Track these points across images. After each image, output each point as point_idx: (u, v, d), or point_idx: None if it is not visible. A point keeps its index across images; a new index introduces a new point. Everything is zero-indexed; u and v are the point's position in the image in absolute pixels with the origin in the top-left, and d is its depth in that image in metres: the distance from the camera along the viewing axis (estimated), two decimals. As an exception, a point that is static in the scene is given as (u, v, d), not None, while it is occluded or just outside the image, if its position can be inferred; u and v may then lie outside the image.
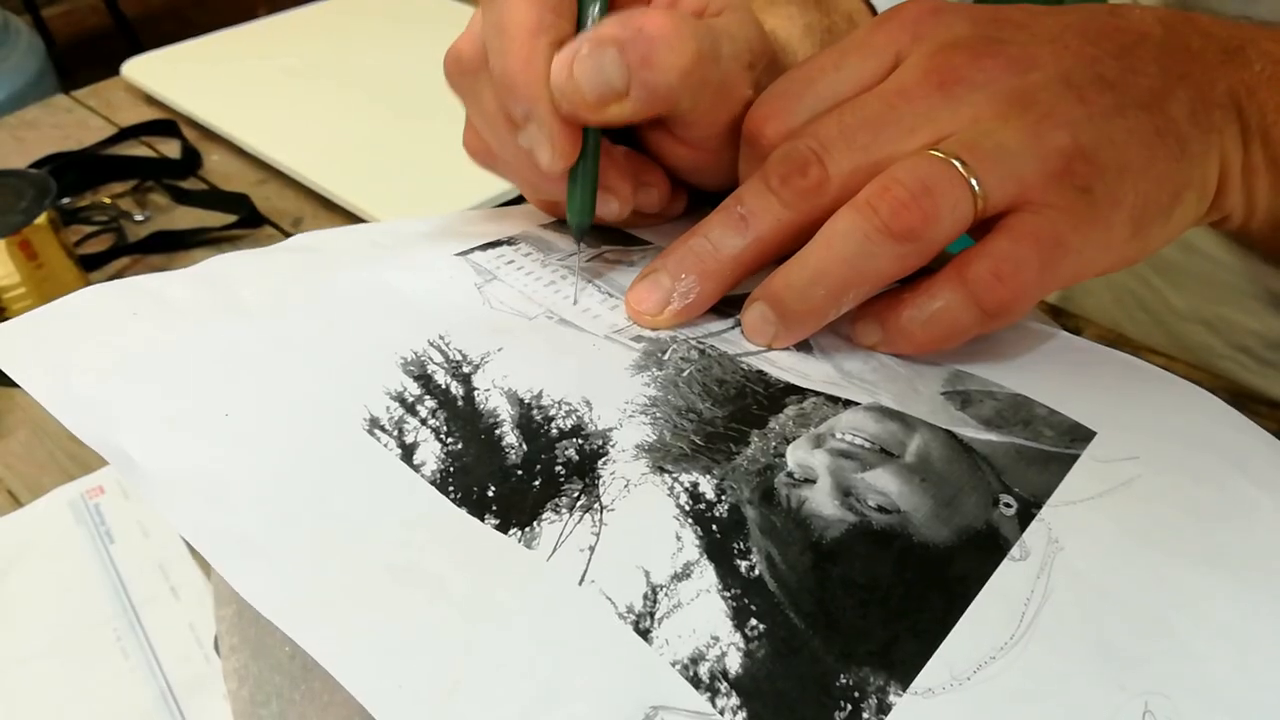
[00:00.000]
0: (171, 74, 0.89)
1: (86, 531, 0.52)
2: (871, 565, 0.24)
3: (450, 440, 0.27)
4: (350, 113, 0.83)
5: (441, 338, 0.30)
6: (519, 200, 0.72)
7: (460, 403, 0.28)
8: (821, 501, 0.26)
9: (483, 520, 0.25)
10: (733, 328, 0.33)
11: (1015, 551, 0.25)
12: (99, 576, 0.50)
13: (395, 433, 0.27)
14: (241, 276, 0.32)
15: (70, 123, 0.86)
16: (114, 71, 0.91)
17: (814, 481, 0.26)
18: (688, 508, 0.25)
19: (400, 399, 0.28)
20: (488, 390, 0.29)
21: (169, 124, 0.84)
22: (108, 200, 0.75)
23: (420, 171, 0.75)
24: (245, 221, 0.73)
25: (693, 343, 0.31)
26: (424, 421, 0.27)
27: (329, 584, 0.23)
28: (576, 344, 0.31)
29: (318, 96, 0.86)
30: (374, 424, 0.27)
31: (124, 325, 0.30)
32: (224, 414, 0.27)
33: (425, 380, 0.29)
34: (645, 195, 0.37)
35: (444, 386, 0.29)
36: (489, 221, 0.38)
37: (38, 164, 0.77)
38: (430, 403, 0.28)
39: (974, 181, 0.29)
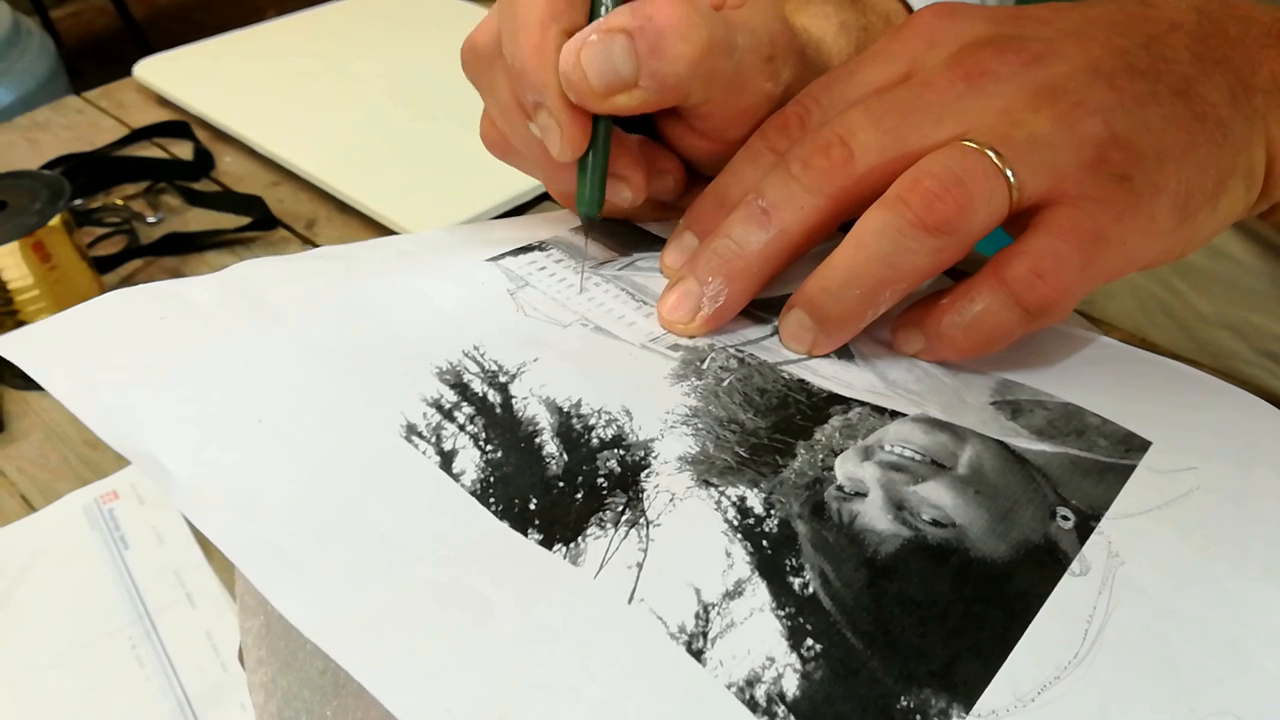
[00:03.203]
0: (183, 75, 0.88)
1: (101, 537, 0.51)
2: (928, 581, 0.23)
3: (489, 448, 0.26)
4: (364, 114, 0.82)
5: (476, 348, 0.29)
6: (536, 203, 0.72)
7: (499, 410, 0.27)
8: (874, 515, 0.25)
9: (525, 535, 0.24)
10: (771, 335, 0.32)
11: (1075, 566, 0.24)
12: (113, 583, 0.49)
13: (433, 439, 0.26)
14: (269, 281, 0.32)
15: (82, 124, 0.85)
16: (122, 73, 0.90)
17: (865, 495, 0.25)
18: (736, 523, 0.24)
19: (437, 405, 0.27)
20: (526, 398, 0.28)
21: (181, 125, 0.83)
22: (120, 202, 0.74)
23: (435, 174, 0.74)
24: (259, 224, 0.72)
25: (731, 351, 0.31)
26: (462, 428, 0.27)
27: (370, 603, 0.22)
28: (613, 353, 0.30)
29: (331, 98, 0.85)
30: (411, 430, 0.26)
31: (151, 330, 0.29)
32: (256, 420, 0.26)
33: (462, 388, 0.28)
34: (660, 182, 0.36)
35: (481, 394, 0.28)
36: (517, 227, 0.38)
37: (49, 165, 0.76)
38: (468, 409, 0.27)
39: (1009, 173, 0.28)
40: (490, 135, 0.36)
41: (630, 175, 0.34)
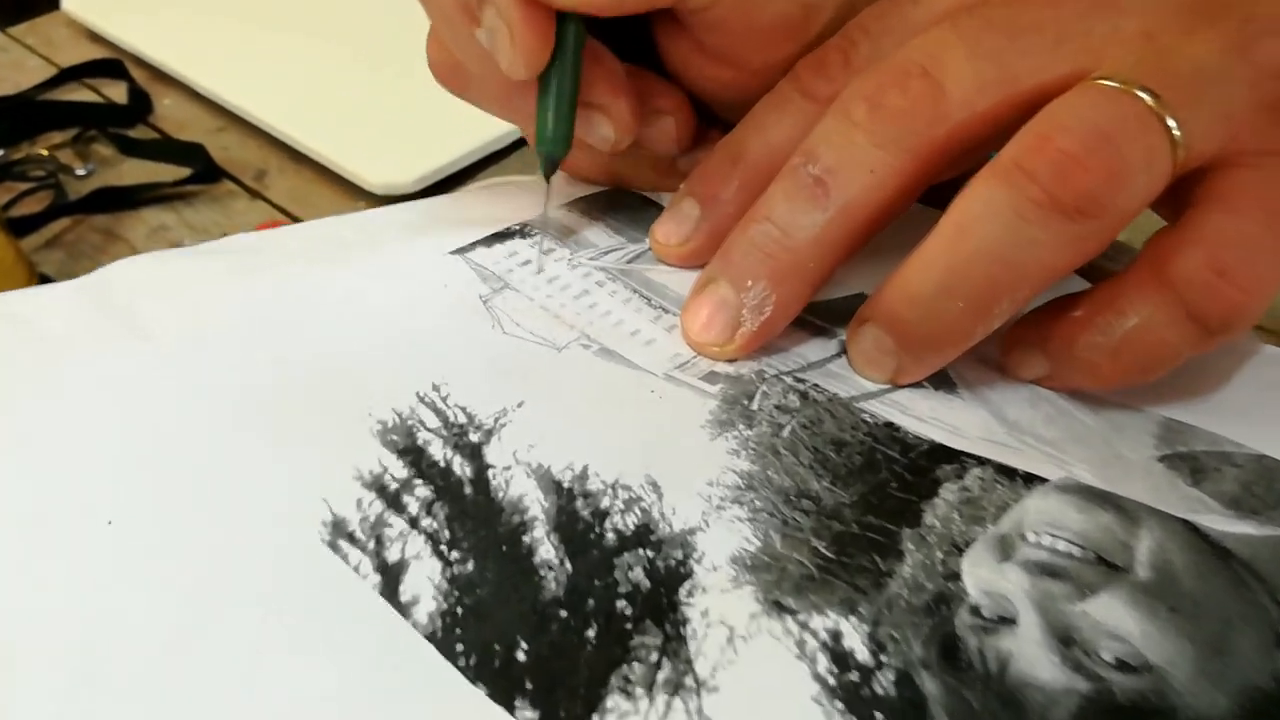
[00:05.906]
0: (118, 7, 0.80)
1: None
2: None
3: (455, 556, 0.18)
4: (319, 53, 0.74)
5: (436, 388, 0.21)
6: (515, 148, 0.63)
7: (469, 489, 0.19)
8: (1032, 657, 0.17)
9: (512, 713, 0.16)
10: (839, 355, 0.23)
11: None
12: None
13: (370, 544, 0.18)
14: (146, 288, 0.23)
15: (4, 64, 0.77)
16: (54, 5, 0.82)
17: (1014, 621, 0.17)
18: (831, 679, 0.16)
19: (378, 486, 0.19)
20: (508, 469, 0.19)
21: (115, 64, 0.75)
22: (44, 152, 0.66)
23: (399, 119, 0.66)
24: (201, 175, 0.64)
25: (789, 381, 0.22)
26: (415, 523, 0.18)
27: None
28: (629, 388, 0.22)
29: (283, 35, 0.77)
30: (338, 530, 0.18)
31: None
32: (106, 521, 0.18)
33: (415, 454, 0.19)
34: (658, 127, 0.27)
35: (443, 464, 0.19)
36: (492, 203, 0.29)
37: (-37, 111, 0.67)
38: (423, 490, 0.19)
39: (1171, 122, 0.20)
40: (437, 58, 0.27)
41: (610, 104, 0.26)
